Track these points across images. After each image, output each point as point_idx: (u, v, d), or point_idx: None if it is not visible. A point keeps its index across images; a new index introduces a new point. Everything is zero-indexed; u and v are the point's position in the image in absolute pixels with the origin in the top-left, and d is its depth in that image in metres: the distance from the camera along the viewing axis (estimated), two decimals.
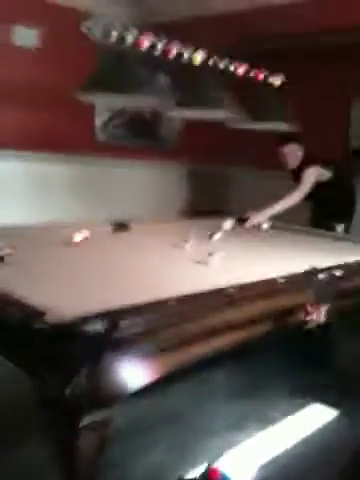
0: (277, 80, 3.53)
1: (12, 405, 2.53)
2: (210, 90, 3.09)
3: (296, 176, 3.78)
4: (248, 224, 3.44)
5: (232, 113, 3.11)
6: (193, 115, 3.27)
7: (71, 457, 1.55)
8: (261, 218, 3.51)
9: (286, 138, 3.82)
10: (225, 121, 3.51)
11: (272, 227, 3.51)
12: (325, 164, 3.74)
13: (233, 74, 3.25)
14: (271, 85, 3.49)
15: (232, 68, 3.22)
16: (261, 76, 3.47)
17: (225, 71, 3.21)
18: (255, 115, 3.35)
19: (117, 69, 2.63)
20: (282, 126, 3.53)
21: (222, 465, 1.91)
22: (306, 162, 3.74)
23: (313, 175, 3.64)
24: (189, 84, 3.17)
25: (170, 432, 2.41)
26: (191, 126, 5.01)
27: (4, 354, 1.68)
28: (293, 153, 3.81)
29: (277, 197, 3.64)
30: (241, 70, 3.27)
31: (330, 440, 2.47)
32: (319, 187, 3.69)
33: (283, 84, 3.52)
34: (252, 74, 3.39)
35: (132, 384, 1.61)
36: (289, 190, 3.68)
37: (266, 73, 3.49)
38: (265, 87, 3.47)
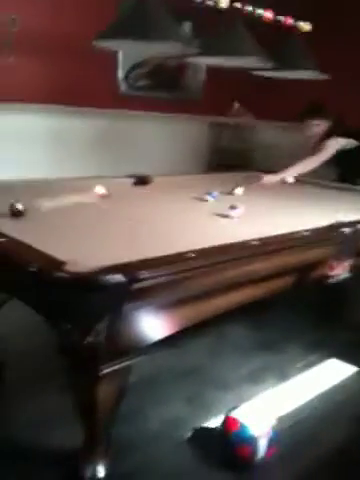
0: (306, 25, 3.36)
1: (33, 356, 2.58)
2: (236, 37, 2.97)
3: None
4: (260, 183, 3.36)
5: (260, 61, 2.99)
6: (219, 63, 3.15)
7: (91, 406, 1.59)
8: (274, 179, 3.42)
9: (312, 112, 3.65)
10: (252, 70, 3.39)
11: (297, 181, 3.43)
12: (350, 135, 3.59)
13: (260, 19, 3.11)
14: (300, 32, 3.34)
15: (259, 13, 3.08)
16: (289, 21, 3.31)
17: (251, 16, 3.07)
18: (284, 63, 3.22)
19: (139, 16, 2.54)
20: (313, 75, 3.39)
21: (239, 415, 1.93)
22: (331, 133, 3.59)
23: (335, 146, 3.52)
24: (214, 31, 3.04)
25: (188, 385, 2.43)
26: (216, 77, 4.85)
27: (28, 303, 1.69)
28: (319, 127, 3.64)
29: (295, 160, 3.55)
30: (268, 15, 3.13)
31: (347, 396, 2.46)
32: (345, 152, 3.57)
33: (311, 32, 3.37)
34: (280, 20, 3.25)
35: (151, 335, 1.62)
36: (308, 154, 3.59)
37: (294, 19, 3.33)
38: (293, 34, 3.33)
